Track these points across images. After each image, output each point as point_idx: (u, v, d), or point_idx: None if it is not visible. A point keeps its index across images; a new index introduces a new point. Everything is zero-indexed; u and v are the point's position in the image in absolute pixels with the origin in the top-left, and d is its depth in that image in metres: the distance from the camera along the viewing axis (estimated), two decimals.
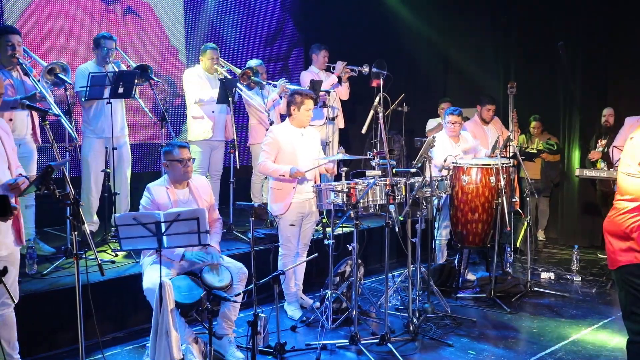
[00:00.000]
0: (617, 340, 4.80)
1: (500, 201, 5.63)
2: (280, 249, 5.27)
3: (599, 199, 7.37)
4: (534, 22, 8.36)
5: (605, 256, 7.24)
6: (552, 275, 6.62)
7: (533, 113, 8.23)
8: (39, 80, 4.78)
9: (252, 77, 6.33)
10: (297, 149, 5.13)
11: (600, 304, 5.76)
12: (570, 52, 7.74)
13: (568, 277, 6.60)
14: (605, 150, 7.16)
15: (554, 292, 6.06)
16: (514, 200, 6.01)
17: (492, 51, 8.75)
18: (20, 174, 3.51)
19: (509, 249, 6.51)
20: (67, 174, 3.38)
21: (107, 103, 5.41)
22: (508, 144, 6.24)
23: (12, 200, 3.33)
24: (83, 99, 5.44)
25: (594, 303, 5.80)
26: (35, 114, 4.98)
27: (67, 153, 4.98)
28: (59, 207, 3.25)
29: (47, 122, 3.60)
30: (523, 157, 6.96)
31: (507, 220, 5.61)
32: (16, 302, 3.55)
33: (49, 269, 4.86)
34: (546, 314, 5.48)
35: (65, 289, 4.50)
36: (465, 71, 8.96)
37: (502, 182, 5.61)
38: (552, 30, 8.09)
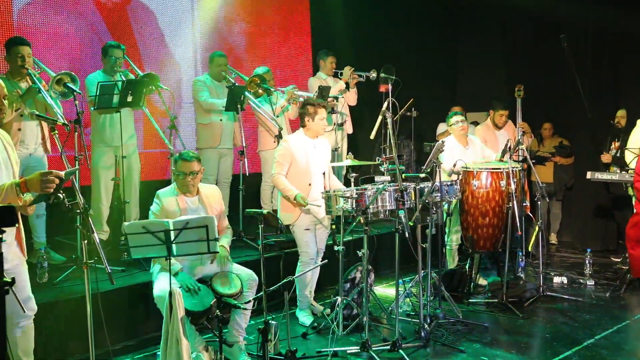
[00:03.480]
0: (632, 345, 4.74)
1: (511, 205, 5.59)
2: (299, 257, 5.27)
3: (612, 202, 7.30)
4: (542, 24, 8.32)
5: (619, 259, 7.21)
6: (564, 280, 6.55)
7: (544, 116, 8.18)
8: (47, 91, 4.81)
9: (260, 84, 6.34)
10: (310, 160, 5.16)
11: (614, 309, 5.70)
12: (580, 53, 7.68)
13: (581, 281, 6.54)
14: (617, 153, 7.10)
15: (566, 297, 6.00)
16: (524, 204, 5.97)
17: (502, 54, 8.72)
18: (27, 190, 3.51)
19: (520, 253, 6.46)
20: (76, 183, 3.38)
21: (116, 112, 5.45)
22: (518, 147, 6.20)
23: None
24: (93, 108, 5.48)
25: (608, 307, 5.74)
26: (44, 124, 5.02)
27: (77, 162, 5.00)
28: (69, 216, 3.26)
29: (56, 132, 3.62)
30: (534, 161, 6.93)
31: (518, 224, 5.57)
32: (26, 312, 3.56)
33: (59, 278, 4.88)
34: (559, 318, 5.43)
35: (75, 298, 4.51)
36: (475, 75, 8.94)
37: (513, 186, 5.58)
38: (561, 31, 8.05)
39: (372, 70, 7.28)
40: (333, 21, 9.12)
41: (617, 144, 7.26)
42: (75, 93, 4.88)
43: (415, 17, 9.13)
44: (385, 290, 6.30)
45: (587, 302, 5.91)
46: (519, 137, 6.30)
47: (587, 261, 6.61)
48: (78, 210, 3.22)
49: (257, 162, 7.12)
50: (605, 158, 7.18)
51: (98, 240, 3.27)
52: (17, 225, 2.56)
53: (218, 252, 4.18)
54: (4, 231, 2.51)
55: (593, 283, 6.47)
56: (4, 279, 2.48)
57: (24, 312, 3.42)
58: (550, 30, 8.22)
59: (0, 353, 2.46)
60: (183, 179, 4.36)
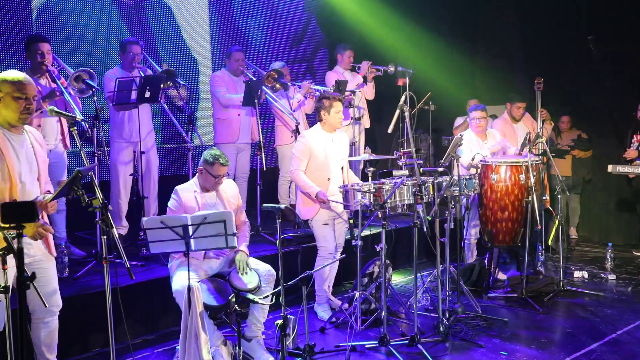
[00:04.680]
0: None
1: (530, 199, 5.53)
2: (318, 252, 5.28)
3: (634, 195, 7.19)
4: (562, 15, 8.21)
5: None
6: (585, 274, 6.48)
7: (563, 108, 8.08)
8: (66, 87, 4.85)
9: (277, 79, 6.33)
10: (328, 155, 5.16)
11: (637, 303, 5.63)
12: (600, 45, 7.56)
13: (602, 275, 6.47)
14: (639, 147, 6.98)
15: (587, 291, 5.93)
16: (544, 198, 5.90)
17: (520, 46, 8.62)
18: (49, 191, 3.54)
19: (540, 247, 6.40)
20: (95, 179, 3.41)
21: (134, 108, 5.48)
22: (537, 141, 6.13)
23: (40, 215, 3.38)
24: (111, 104, 5.53)
25: (630, 302, 5.67)
26: (64, 120, 5.06)
27: (96, 158, 5.04)
28: (88, 211, 3.29)
29: (75, 128, 3.64)
30: (553, 154, 6.85)
31: (537, 218, 5.51)
32: (49, 307, 3.61)
33: (80, 273, 4.93)
34: (580, 313, 5.37)
35: (96, 292, 4.56)
36: (493, 68, 8.85)
37: (532, 180, 5.52)
38: (581, 22, 7.94)
39: (390, 64, 7.24)
40: (349, 14, 9.08)
41: (639, 136, 7.14)
42: (93, 89, 4.92)
43: (432, 9, 9.05)
44: (403, 285, 6.28)
45: (608, 296, 5.84)
46: (539, 129, 6.23)
47: (608, 255, 6.53)
48: (98, 206, 3.24)
49: (275, 157, 7.13)
50: (630, 154, 7.04)
51: (117, 236, 3.29)
52: (37, 220, 2.58)
53: (236, 247, 4.18)
54: (24, 227, 2.54)
55: (614, 277, 6.39)
56: (25, 274, 2.52)
57: (45, 306, 3.47)
58: (570, 21, 8.11)
59: (22, 347, 2.48)
60: (216, 180, 4.36)
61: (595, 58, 6.99)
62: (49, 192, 3.51)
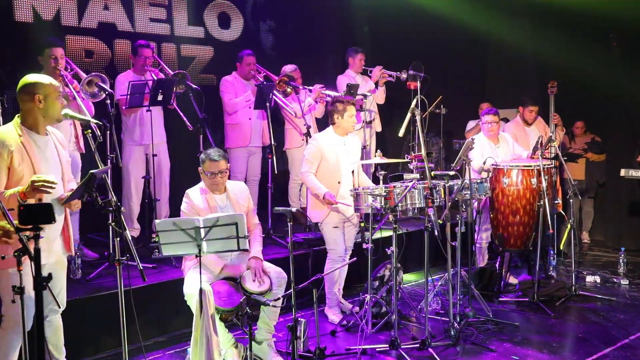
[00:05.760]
0: None
1: (542, 203, 5.51)
2: (328, 255, 5.29)
3: None
4: (575, 17, 8.16)
5: None
6: (597, 279, 6.44)
7: (576, 112, 8.04)
8: (78, 92, 4.89)
9: (288, 83, 6.35)
10: (340, 159, 5.17)
11: None
12: (621, 43, 7.51)
13: (615, 280, 6.43)
14: None
15: (600, 296, 5.89)
16: (556, 202, 5.89)
17: (533, 50, 8.58)
18: (72, 189, 3.59)
19: (552, 251, 6.37)
20: (108, 181, 3.44)
21: (147, 111, 5.52)
22: (549, 144, 6.11)
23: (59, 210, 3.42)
24: (123, 107, 5.57)
25: None
26: (77, 124, 5.11)
27: (109, 161, 5.08)
28: (101, 213, 3.32)
29: (89, 131, 3.68)
30: (565, 158, 6.82)
31: (549, 222, 5.49)
32: (62, 308, 3.64)
33: (92, 275, 4.96)
34: (592, 318, 5.34)
35: (108, 294, 4.59)
36: (505, 71, 8.82)
37: (544, 184, 5.50)
38: (595, 25, 7.89)
39: (403, 70, 7.23)
40: (360, 17, 9.08)
41: None
42: (106, 93, 4.96)
43: (443, 12, 9.03)
44: (414, 289, 6.27)
45: (621, 301, 5.80)
46: (552, 133, 6.21)
47: (621, 260, 6.49)
48: (110, 208, 3.27)
49: (285, 160, 7.13)
50: None
51: (130, 238, 3.32)
52: (53, 222, 2.61)
53: (247, 249, 4.18)
54: (42, 228, 2.56)
55: (627, 282, 6.35)
56: (41, 275, 2.54)
57: (59, 307, 3.50)
58: (583, 23, 8.06)
59: (39, 347, 2.51)
60: (212, 179, 4.37)
61: (615, 56, 6.90)
62: (72, 190, 3.56)
